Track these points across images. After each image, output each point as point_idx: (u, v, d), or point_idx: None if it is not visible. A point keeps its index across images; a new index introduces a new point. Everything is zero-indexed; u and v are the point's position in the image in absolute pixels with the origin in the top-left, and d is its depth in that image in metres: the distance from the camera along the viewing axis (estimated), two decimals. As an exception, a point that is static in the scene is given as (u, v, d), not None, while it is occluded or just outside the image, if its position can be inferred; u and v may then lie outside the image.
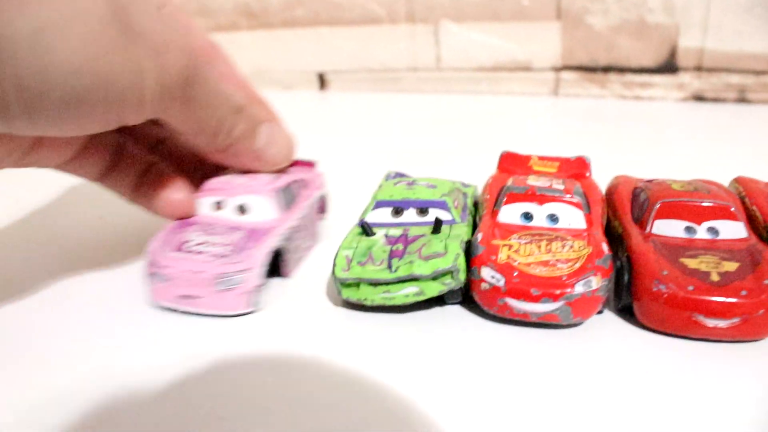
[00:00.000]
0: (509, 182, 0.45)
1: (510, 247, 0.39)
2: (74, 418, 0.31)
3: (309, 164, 0.53)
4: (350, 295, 0.39)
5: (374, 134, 0.93)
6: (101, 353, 0.37)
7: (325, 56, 1.21)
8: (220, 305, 0.39)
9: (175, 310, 0.40)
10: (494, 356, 0.36)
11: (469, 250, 0.40)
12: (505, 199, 0.43)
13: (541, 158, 0.53)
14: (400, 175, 0.54)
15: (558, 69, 1.12)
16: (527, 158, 0.52)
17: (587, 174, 0.52)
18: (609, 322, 0.39)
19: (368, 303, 0.39)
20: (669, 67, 1.07)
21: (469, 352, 0.36)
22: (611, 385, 0.33)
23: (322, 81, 1.23)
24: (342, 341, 0.37)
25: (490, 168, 0.69)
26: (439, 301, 0.40)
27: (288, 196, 0.45)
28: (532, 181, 0.45)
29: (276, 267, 0.43)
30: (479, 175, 0.58)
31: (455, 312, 0.40)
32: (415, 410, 0.31)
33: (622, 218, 0.45)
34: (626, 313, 0.39)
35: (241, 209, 0.44)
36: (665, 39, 1.06)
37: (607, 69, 1.10)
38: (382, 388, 0.33)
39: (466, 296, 0.40)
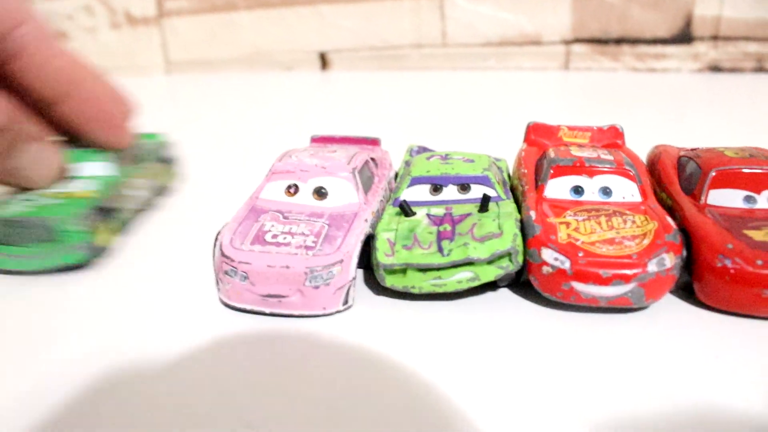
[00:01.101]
0: (552, 154, 0.41)
1: (568, 225, 0.35)
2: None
3: (374, 142, 0.49)
4: (395, 282, 0.35)
5: (379, 114, 0.89)
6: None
7: (326, 35, 1.17)
8: (311, 304, 0.34)
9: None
10: (555, 344, 0.32)
11: (522, 229, 0.36)
12: (551, 173, 0.39)
13: (571, 128, 0.49)
14: (424, 149, 0.50)
15: (569, 42, 1.08)
16: (556, 129, 0.49)
17: (622, 144, 0.48)
18: (666, 303, 0.35)
19: (416, 291, 0.35)
20: (684, 37, 1.04)
21: (528, 341, 0.32)
22: (677, 373, 0.29)
23: (324, 61, 1.19)
24: (387, 333, 0.33)
25: (502, 144, 0.66)
26: (488, 285, 0.36)
27: (365, 177, 0.41)
28: (577, 152, 0.42)
29: (364, 257, 0.37)
30: (492, 151, 0.55)
31: (506, 297, 0.37)
32: (482, 410, 0.28)
33: (669, 189, 0.42)
34: (684, 291, 0.36)
35: (319, 193, 0.39)
36: (680, 8, 1.02)
37: (619, 41, 1.07)
38: (438, 387, 0.29)
39: (517, 279, 0.36)
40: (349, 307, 0.35)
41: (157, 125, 0.92)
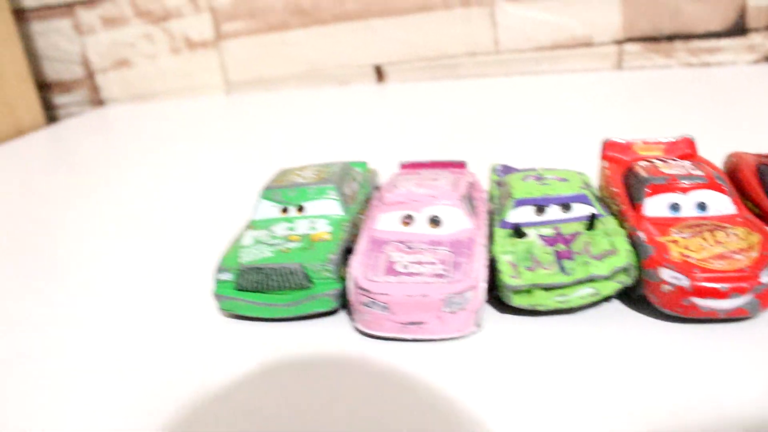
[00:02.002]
0: (643, 173, 0.43)
1: (676, 243, 0.38)
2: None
3: (460, 165, 0.52)
4: (521, 301, 0.38)
5: (437, 124, 0.92)
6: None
7: (380, 48, 1.20)
8: (448, 329, 0.36)
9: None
10: (676, 354, 0.35)
11: (632, 245, 0.39)
12: (647, 191, 0.42)
13: (645, 142, 0.51)
14: (507, 167, 0.53)
15: (620, 42, 1.10)
16: (631, 144, 0.51)
17: (694, 154, 0.50)
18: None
19: (541, 308, 0.38)
20: (738, 29, 1.04)
21: (648, 352, 0.35)
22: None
23: (379, 73, 1.22)
24: (520, 350, 0.36)
25: (562, 148, 0.68)
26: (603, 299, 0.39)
27: (469, 202, 0.43)
28: (666, 168, 0.44)
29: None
30: (557, 159, 0.57)
31: (619, 310, 0.39)
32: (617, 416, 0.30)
33: (754, 198, 0.44)
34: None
35: (434, 221, 0.41)
36: (733, 1, 1.03)
37: (671, 37, 1.08)
38: (575, 393, 0.32)
39: (631, 293, 0.39)
40: (481, 328, 0.38)
41: (219, 144, 0.96)
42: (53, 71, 1.41)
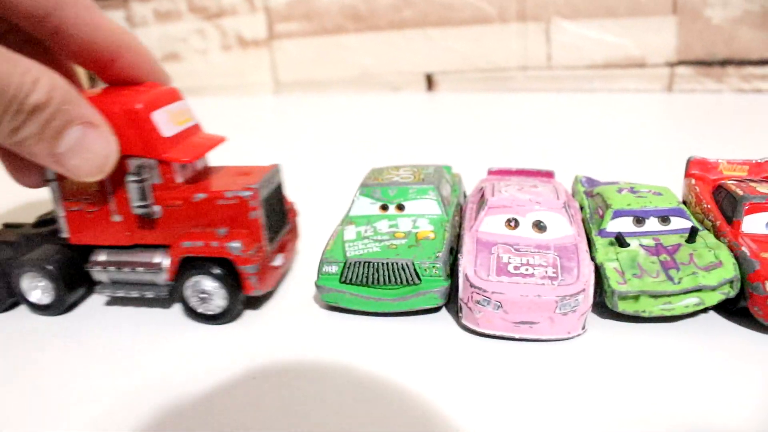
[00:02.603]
0: (738, 191, 0.44)
1: (778, 258, 0.39)
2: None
3: (548, 174, 0.53)
4: (627, 307, 0.39)
5: (485, 134, 0.93)
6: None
7: (433, 57, 1.21)
8: (558, 329, 0.38)
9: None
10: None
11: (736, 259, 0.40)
12: (746, 209, 0.43)
13: (730, 162, 0.52)
14: (591, 180, 0.54)
15: (673, 64, 1.11)
16: (716, 164, 0.52)
17: None
18: None
19: (646, 314, 0.39)
20: (793, 58, 1.05)
21: (752, 363, 0.36)
22: None
23: (430, 82, 1.23)
24: (621, 353, 0.37)
25: (615, 165, 0.69)
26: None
27: (569, 210, 0.45)
28: (761, 188, 0.45)
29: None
30: (608, 175, 0.59)
31: (717, 321, 0.40)
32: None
33: None
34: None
35: (539, 226, 0.43)
36: (789, 30, 1.04)
37: (724, 62, 1.09)
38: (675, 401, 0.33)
39: (732, 306, 0.40)
40: (586, 330, 0.39)
41: (265, 141, 0.98)
42: (103, 61, 1.43)
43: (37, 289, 0.44)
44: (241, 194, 0.41)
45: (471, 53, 1.19)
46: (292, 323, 0.43)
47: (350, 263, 0.42)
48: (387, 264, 0.41)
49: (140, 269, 0.43)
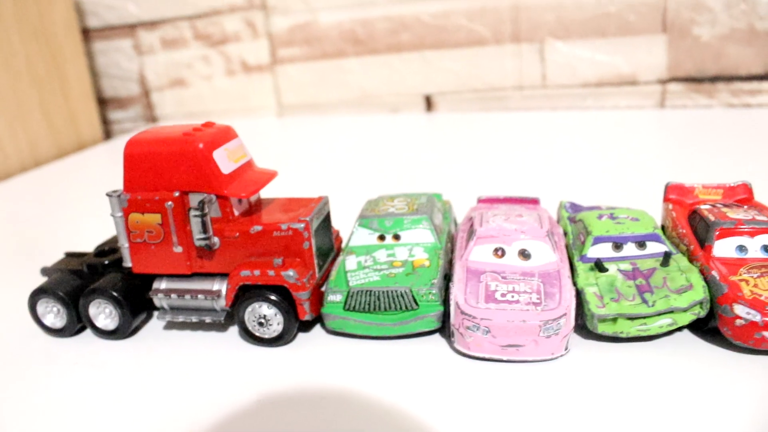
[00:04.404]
0: (710, 216, 0.47)
1: (747, 282, 0.42)
2: None
3: (534, 201, 0.56)
4: (606, 329, 0.42)
5: (483, 154, 0.97)
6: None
7: (431, 78, 1.25)
8: (543, 351, 0.41)
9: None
10: (744, 381, 0.39)
11: (706, 282, 0.43)
12: (716, 234, 0.46)
13: (705, 187, 0.55)
14: (575, 205, 0.57)
15: (664, 81, 1.14)
16: (692, 188, 0.55)
17: (750, 198, 0.54)
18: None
19: (624, 335, 0.42)
20: (780, 73, 1.08)
21: (720, 378, 0.39)
22: None
23: (429, 103, 1.27)
24: (602, 371, 0.41)
25: (607, 183, 0.73)
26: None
27: (552, 237, 0.48)
28: (731, 213, 0.48)
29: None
30: (603, 194, 0.63)
31: (692, 340, 0.43)
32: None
33: None
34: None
35: (524, 254, 0.46)
36: (775, 46, 1.07)
37: (714, 78, 1.12)
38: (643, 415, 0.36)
39: (702, 326, 0.43)
40: (569, 351, 0.42)
41: (269, 163, 1.01)
42: (111, 88, 1.47)
43: (103, 314, 0.48)
44: (295, 226, 0.44)
45: (468, 74, 1.23)
46: (299, 348, 0.46)
47: (353, 292, 0.45)
48: (387, 292, 0.45)
49: (200, 296, 0.46)
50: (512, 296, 0.42)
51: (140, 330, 0.51)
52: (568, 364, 0.42)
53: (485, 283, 0.44)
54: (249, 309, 0.45)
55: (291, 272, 0.44)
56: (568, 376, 0.41)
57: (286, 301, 0.45)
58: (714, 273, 0.43)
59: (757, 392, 0.38)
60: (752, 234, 0.46)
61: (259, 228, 0.45)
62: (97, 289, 0.48)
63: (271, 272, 0.44)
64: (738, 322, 0.40)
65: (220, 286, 0.46)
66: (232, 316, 0.47)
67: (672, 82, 1.14)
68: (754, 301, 0.40)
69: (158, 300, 0.48)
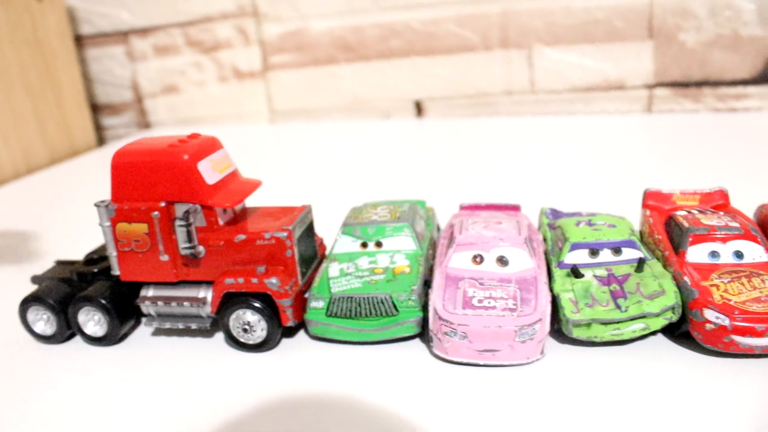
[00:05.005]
0: (684, 222, 0.49)
1: (718, 287, 0.43)
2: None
3: (515, 208, 0.57)
4: (581, 334, 0.43)
5: (473, 159, 0.98)
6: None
7: (421, 84, 1.26)
8: (518, 355, 0.42)
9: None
10: (710, 385, 0.40)
11: (678, 287, 0.44)
12: (690, 240, 0.47)
13: (683, 193, 0.56)
14: (555, 211, 0.59)
15: (651, 86, 1.16)
16: (670, 195, 0.56)
17: (727, 204, 0.55)
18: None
19: (597, 340, 0.43)
20: (765, 77, 1.10)
21: (688, 383, 0.40)
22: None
23: (419, 108, 1.28)
24: (579, 374, 0.42)
25: (596, 187, 0.74)
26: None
27: (530, 244, 0.49)
28: (705, 219, 0.49)
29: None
30: (589, 199, 0.64)
31: (665, 343, 0.45)
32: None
33: None
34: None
35: (502, 261, 0.47)
36: (760, 50, 1.09)
37: (700, 83, 1.13)
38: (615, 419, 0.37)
39: (675, 330, 0.45)
40: (544, 355, 0.43)
41: (261, 169, 1.03)
42: (104, 94, 1.48)
43: (92, 321, 0.49)
44: (278, 235, 0.46)
45: (457, 80, 1.24)
46: (284, 355, 0.47)
47: (335, 298, 0.46)
48: (368, 298, 0.46)
49: (186, 303, 0.48)
50: (489, 302, 0.43)
51: (129, 336, 0.51)
52: (544, 368, 0.43)
53: (463, 289, 0.45)
54: (233, 316, 0.46)
55: (274, 280, 0.45)
56: (544, 379, 0.42)
57: (269, 308, 0.46)
58: (686, 278, 0.44)
59: (726, 394, 0.39)
60: (724, 240, 0.47)
61: (243, 237, 0.46)
62: (86, 297, 0.49)
63: (255, 280, 0.45)
64: (708, 326, 0.42)
65: (206, 293, 0.48)
66: (218, 322, 0.48)
67: (659, 87, 1.16)
68: (723, 306, 0.42)
69: (145, 307, 0.49)
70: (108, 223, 0.47)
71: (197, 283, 0.48)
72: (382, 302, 0.45)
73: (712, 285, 0.44)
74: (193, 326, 0.48)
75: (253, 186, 0.50)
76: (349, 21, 1.26)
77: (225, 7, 1.33)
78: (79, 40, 1.43)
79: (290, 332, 0.50)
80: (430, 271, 0.50)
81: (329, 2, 1.26)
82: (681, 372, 0.42)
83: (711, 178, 0.66)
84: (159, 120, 1.47)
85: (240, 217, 0.50)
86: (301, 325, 0.49)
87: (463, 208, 0.59)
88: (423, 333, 0.47)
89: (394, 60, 1.26)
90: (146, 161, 0.45)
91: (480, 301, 0.44)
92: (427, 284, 0.49)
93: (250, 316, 0.46)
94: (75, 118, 1.31)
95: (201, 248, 0.46)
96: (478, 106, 1.25)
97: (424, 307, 0.46)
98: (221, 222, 0.47)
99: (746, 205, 0.56)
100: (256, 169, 1.00)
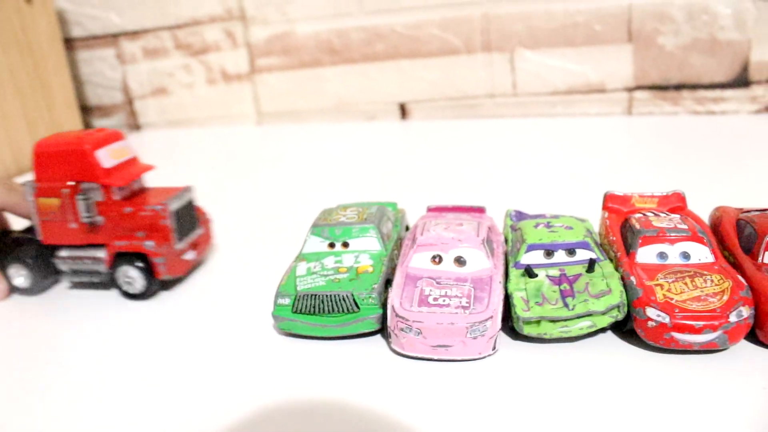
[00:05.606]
0: (637, 225, 0.51)
1: (662, 287, 0.45)
2: None
3: (480, 210, 0.59)
4: (531, 330, 0.45)
5: (455, 161, 1.00)
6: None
7: (405, 87, 1.28)
8: (470, 351, 0.44)
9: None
10: (656, 381, 0.42)
11: (625, 289, 0.46)
12: (639, 242, 0.49)
13: (641, 196, 0.58)
14: (520, 213, 0.61)
15: (631, 89, 1.18)
16: (629, 197, 0.58)
17: (684, 206, 0.57)
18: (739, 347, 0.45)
19: (547, 337, 0.45)
20: (741, 81, 1.12)
21: (635, 378, 0.42)
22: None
23: (404, 110, 1.30)
24: (529, 370, 0.44)
25: (573, 191, 0.77)
26: (599, 330, 0.47)
27: (488, 245, 0.51)
28: (656, 222, 0.51)
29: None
30: (565, 199, 0.67)
31: (612, 340, 0.47)
32: None
33: (731, 249, 0.51)
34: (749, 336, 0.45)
35: (459, 261, 0.49)
36: (737, 54, 1.11)
37: (679, 87, 1.15)
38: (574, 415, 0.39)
39: (621, 326, 0.47)
40: (497, 351, 0.45)
41: (249, 169, 1.05)
42: (95, 96, 1.50)
43: (20, 276, 0.60)
44: (155, 208, 0.57)
45: (441, 83, 1.26)
46: (253, 347, 0.49)
47: (300, 296, 0.49)
48: (330, 296, 0.48)
49: (89, 261, 0.59)
50: (444, 300, 0.45)
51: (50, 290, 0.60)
52: (495, 362, 0.45)
53: (420, 288, 0.47)
54: (120, 271, 0.58)
55: (150, 242, 0.57)
56: (495, 373, 0.44)
57: (146, 264, 0.57)
58: (633, 278, 0.47)
59: (665, 386, 0.41)
60: (672, 242, 0.49)
61: (129, 209, 0.58)
62: (13, 256, 0.60)
63: (136, 242, 0.57)
64: (650, 323, 0.44)
65: (104, 253, 0.59)
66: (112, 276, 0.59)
67: (638, 90, 1.18)
68: (665, 304, 0.44)
69: (60, 264, 0.60)
70: (32, 198, 0.58)
71: (99, 245, 0.59)
72: (344, 299, 0.48)
73: (656, 284, 0.46)
74: (95, 280, 0.60)
75: (143, 169, 0.62)
76: (334, 25, 1.28)
77: (213, 11, 1.35)
78: (70, 43, 1.44)
79: (167, 285, 0.61)
80: (395, 270, 0.52)
81: (315, 6, 1.28)
82: (625, 366, 0.44)
83: (685, 180, 0.67)
84: (149, 121, 1.49)
85: (135, 194, 0.61)
86: (178, 279, 0.61)
87: (430, 210, 0.61)
88: (383, 329, 0.49)
89: (378, 63, 1.28)
90: (58, 149, 0.57)
91: (435, 299, 0.46)
92: (389, 283, 0.51)
93: (132, 271, 0.57)
94: (65, 120, 1.32)
95: (99, 218, 0.58)
96: (461, 108, 1.27)
97: (384, 305, 0.48)
98: (117, 197, 0.58)
99: (716, 205, 0.57)
100: (243, 169, 1.03)
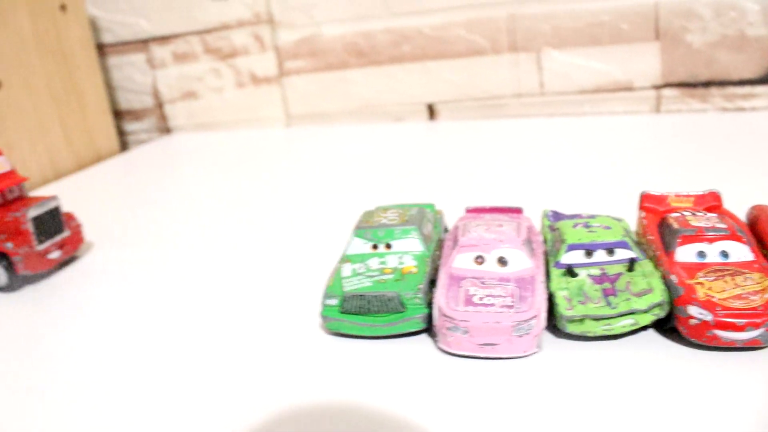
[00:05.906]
0: (675, 225, 0.52)
1: (702, 285, 0.46)
2: None
3: (518, 210, 0.60)
4: (574, 329, 0.46)
5: (484, 161, 1.01)
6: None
7: (433, 88, 1.29)
8: (516, 349, 0.46)
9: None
10: (698, 379, 0.43)
11: (665, 285, 0.47)
12: (679, 241, 0.50)
13: (677, 195, 0.59)
14: (556, 213, 0.62)
15: (659, 87, 1.18)
16: (665, 197, 0.59)
17: (719, 206, 0.58)
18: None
19: (591, 334, 0.46)
20: (771, 78, 1.12)
21: (675, 375, 0.43)
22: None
23: (432, 111, 1.31)
24: (573, 368, 0.45)
25: (604, 191, 0.77)
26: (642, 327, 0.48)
27: (529, 245, 0.52)
28: (694, 221, 0.52)
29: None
30: (596, 199, 0.67)
31: (655, 338, 0.48)
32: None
33: None
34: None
35: (502, 261, 0.50)
36: (766, 50, 1.10)
37: (707, 84, 1.15)
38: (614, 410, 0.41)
39: (664, 325, 0.48)
40: (541, 349, 0.47)
41: (278, 172, 1.06)
42: (125, 101, 1.53)
43: None
44: (15, 215, 0.66)
45: (468, 83, 1.27)
46: (302, 347, 0.51)
47: (347, 296, 0.50)
48: (377, 296, 0.50)
49: None
50: (489, 300, 0.47)
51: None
52: (540, 360, 0.46)
53: (465, 288, 0.48)
54: None
55: (9, 244, 0.66)
56: (540, 371, 0.45)
57: (7, 262, 0.66)
58: (673, 277, 0.48)
59: (710, 384, 0.42)
60: (711, 240, 0.50)
61: None
62: None
63: None
64: (692, 321, 0.45)
65: None
66: None
67: (666, 88, 1.18)
68: (706, 302, 0.45)
69: None
70: None
71: None
72: (391, 300, 0.49)
73: (697, 283, 0.47)
74: None
75: (14, 181, 0.70)
76: (360, 27, 1.29)
77: (241, 15, 1.37)
78: (101, 49, 1.47)
79: (31, 280, 0.69)
80: (437, 270, 0.54)
81: (341, 9, 1.29)
82: (668, 364, 0.45)
83: (717, 178, 0.68)
84: (178, 125, 1.51)
85: (12, 202, 0.70)
86: (37, 276, 0.70)
87: (468, 211, 0.63)
88: (429, 328, 0.50)
89: (405, 64, 1.29)
90: None
91: (480, 298, 0.47)
92: (433, 283, 0.52)
93: None
94: (98, 125, 1.35)
95: None
96: (488, 109, 1.28)
97: (430, 305, 0.50)
98: None
99: (749, 204, 0.58)
100: (273, 171, 1.04)
